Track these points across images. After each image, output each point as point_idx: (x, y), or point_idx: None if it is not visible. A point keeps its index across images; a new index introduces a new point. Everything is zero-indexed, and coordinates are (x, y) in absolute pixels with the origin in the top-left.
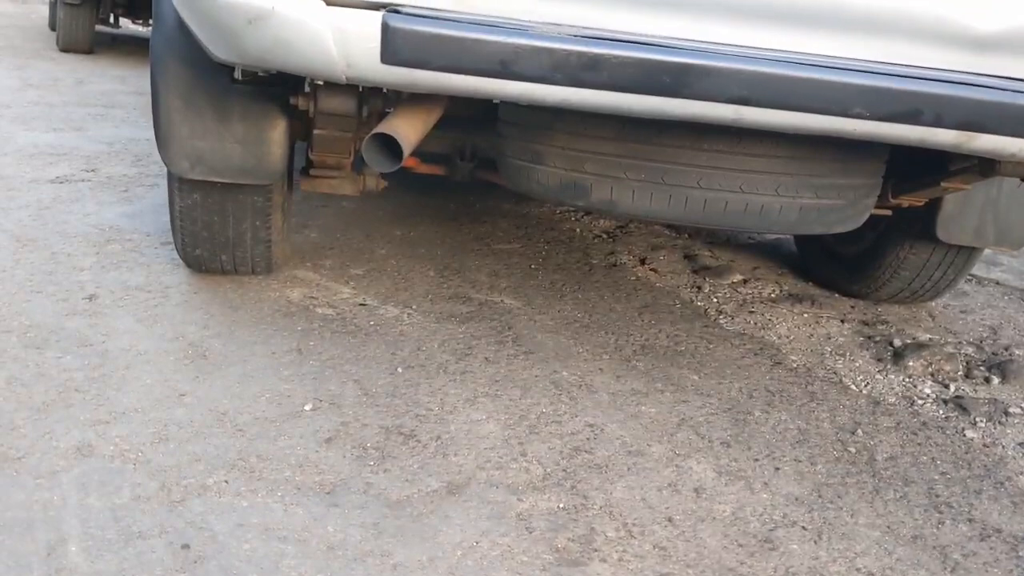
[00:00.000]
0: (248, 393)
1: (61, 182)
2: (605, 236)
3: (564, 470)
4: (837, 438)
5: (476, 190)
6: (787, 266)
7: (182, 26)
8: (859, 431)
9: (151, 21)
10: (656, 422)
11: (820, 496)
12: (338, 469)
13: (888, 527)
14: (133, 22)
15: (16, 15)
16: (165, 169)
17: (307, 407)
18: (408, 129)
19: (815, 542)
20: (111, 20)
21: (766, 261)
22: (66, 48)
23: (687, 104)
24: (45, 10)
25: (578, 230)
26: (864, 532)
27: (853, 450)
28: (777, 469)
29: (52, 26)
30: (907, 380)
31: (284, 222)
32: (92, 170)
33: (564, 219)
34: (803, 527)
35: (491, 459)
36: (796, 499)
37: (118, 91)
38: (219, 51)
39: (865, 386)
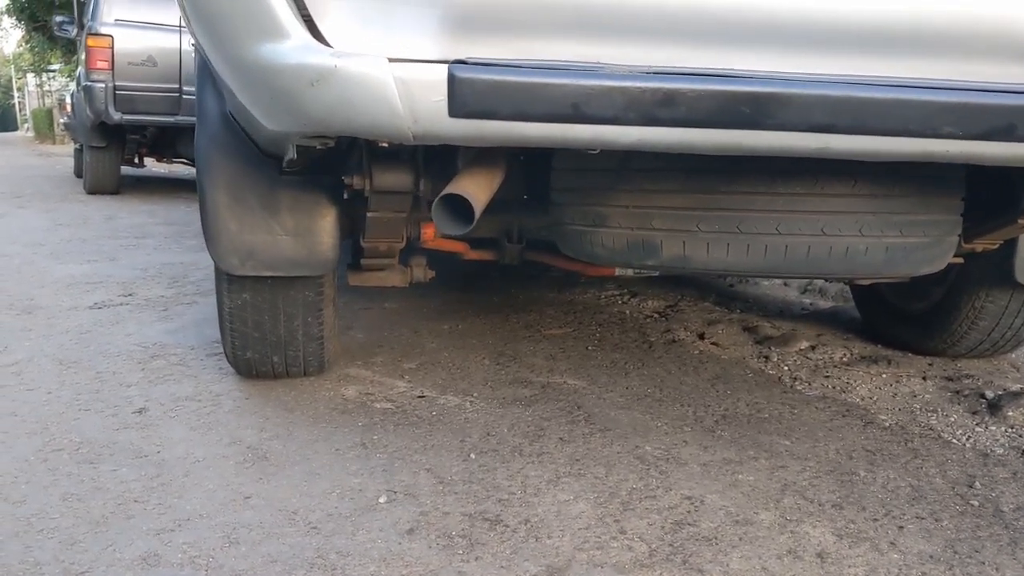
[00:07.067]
0: (317, 490)
1: (99, 307)
2: (657, 315)
3: (670, 545)
4: (955, 492)
5: (518, 281)
6: (851, 331)
7: (226, 121)
8: (976, 483)
9: (177, 156)
10: (757, 490)
11: (955, 552)
12: (425, 560)
13: None
14: (157, 161)
15: (42, 167)
16: (202, 288)
17: (381, 500)
18: (476, 190)
19: None
20: (136, 160)
21: (828, 328)
22: (93, 190)
23: (768, 136)
24: (69, 162)
25: (628, 312)
26: None
27: (976, 503)
28: (900, 528)
29: (77, 173)
30: (1010, 430)
31: (335, 317)
32: (129, 294)
33: (611, 303)
34: None
35: (588, 539)
36: (930, 557)
37: (148, 223)
38: (277, 120)
39: (967, 439)
